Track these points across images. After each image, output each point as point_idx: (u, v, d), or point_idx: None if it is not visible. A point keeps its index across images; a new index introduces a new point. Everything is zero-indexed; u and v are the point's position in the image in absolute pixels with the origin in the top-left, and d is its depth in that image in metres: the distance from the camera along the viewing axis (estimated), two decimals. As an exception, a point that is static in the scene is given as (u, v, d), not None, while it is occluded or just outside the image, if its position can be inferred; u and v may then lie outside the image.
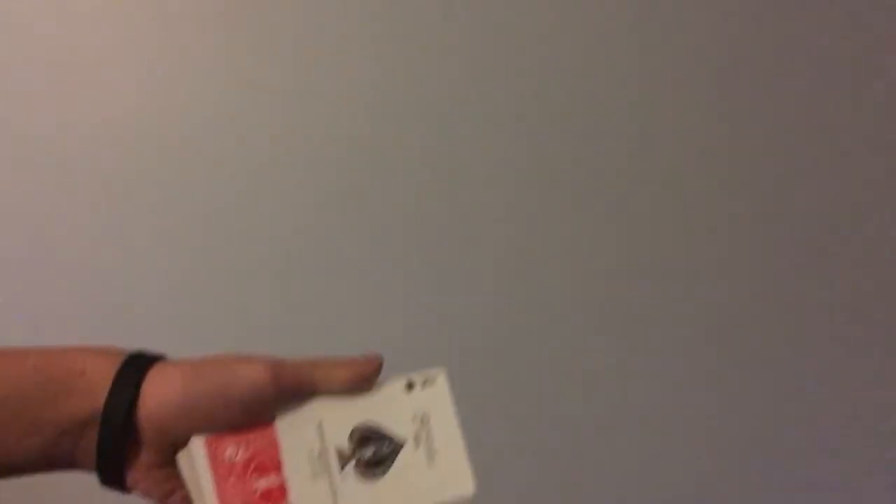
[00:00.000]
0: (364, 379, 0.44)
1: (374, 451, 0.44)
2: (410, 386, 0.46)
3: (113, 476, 0.42)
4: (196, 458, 0.43)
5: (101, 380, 0.41)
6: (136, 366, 0.42)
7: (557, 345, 0.98)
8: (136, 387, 0.41)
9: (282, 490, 0.44)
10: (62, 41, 0.89)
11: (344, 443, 0.45)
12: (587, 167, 0.97)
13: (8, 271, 0.90)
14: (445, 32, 0.93)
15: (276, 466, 0.44)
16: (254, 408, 0.43)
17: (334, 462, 0.44)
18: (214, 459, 0.43)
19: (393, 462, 0.45)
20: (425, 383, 0.46)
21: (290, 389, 0.43)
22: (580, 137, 0.96)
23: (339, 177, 0.94)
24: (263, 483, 0.44)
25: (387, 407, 0.45)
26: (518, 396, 0.98)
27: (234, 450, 0.43)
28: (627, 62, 0.96)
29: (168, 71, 0.90)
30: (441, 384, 0.46)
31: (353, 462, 0.44)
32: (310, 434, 0.44)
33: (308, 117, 0.92)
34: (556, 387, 0.99)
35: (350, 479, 0.44)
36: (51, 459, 0.42)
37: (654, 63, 0.96)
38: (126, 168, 0.91)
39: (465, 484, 0.45)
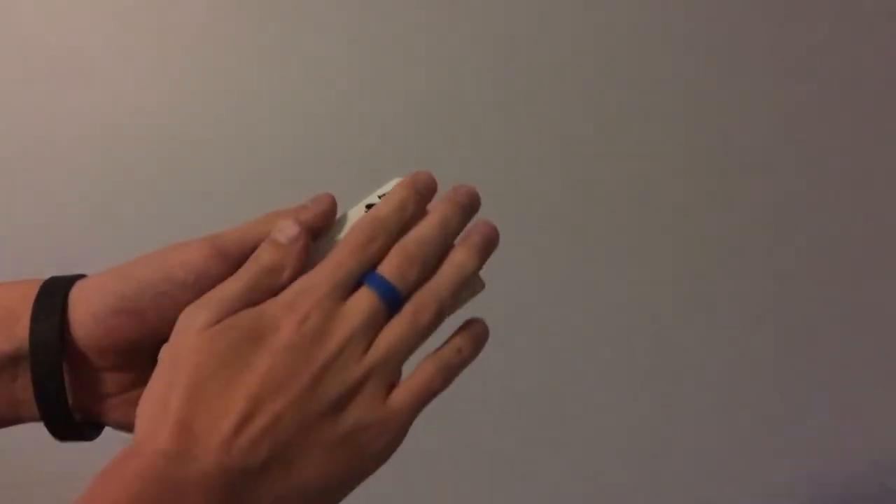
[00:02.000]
0: (320, 220, 0.40)
1: None
2: (371, 207, 0.41)
3: (61, 417, 0.37)
4: None
5: (18, 308, 0.37)
6: (57, 285, 0.38)
7: (554, 344, 0.99)
8: (62, 305, 0.37)
9: None
10: (62, 41, 0.89)
11: None
12: (586, 163, 0.97)
13: (8, 269, 0.90)
14: (445, 29, 0.94)
15: None
16: (205, 290, 0.37)
17: None
18: None
19: None
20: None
21: (241, 256, 0.38)
22: (580, 134, 0.97)
23: (339, 174, 0.94)
24: None
25: None
26: (517, 395, 0.98)
27: None
28: (626, 62, 0.96)
29: (168, 70, 0.91)
30: None
31: None
32: None
33: (309, 116, 0.93)
34: (555, 384, 0.99)
35: None
36: None
37: (654, 62, 0.96)
38: (125, 168, 0.91)
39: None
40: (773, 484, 1.02)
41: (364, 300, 0.37)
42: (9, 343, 0.37)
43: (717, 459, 1.02)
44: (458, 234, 0.40)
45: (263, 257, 0.37)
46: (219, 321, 0.35)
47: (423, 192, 0.40)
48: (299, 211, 0.40)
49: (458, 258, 0.39)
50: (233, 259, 0.38)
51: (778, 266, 1.00)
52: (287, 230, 0.37)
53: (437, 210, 0.40)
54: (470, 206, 0.41)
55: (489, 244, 0.40)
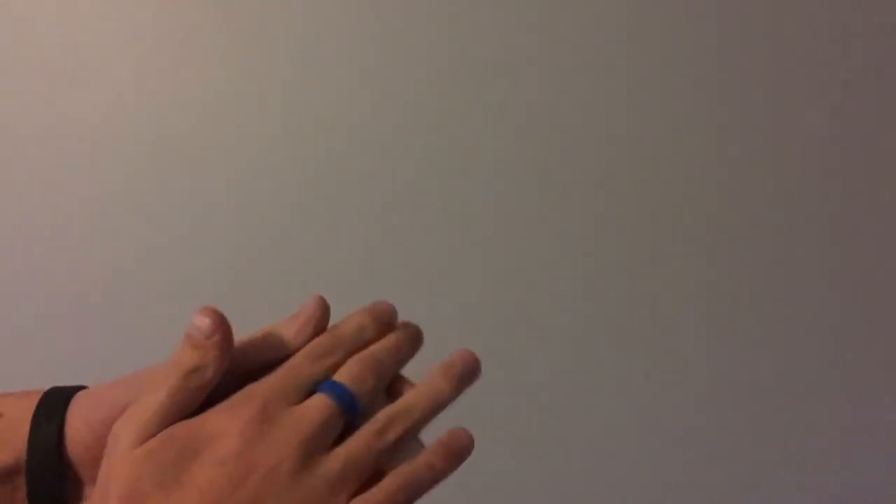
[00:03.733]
0: (309, 329, 0.39)
1: None
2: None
3: None
4: None
5: (21, 419, 0.36)
6: (57, 394, 0.37)
7: (553, 345, 0.99)
8: (62, 412, 0.36)
9: None
10: (62, 41, 0.89)
11: None
12: (586, 165, 0.97)
13: (10, 268, 0.90)
14: (446, 29, 0.93)
15: None
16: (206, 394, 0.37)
17: None
18: None
19: None
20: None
21: (242, 361, 0.37)
22: (579, 136, 0.96)
23: (337, 173, 0.94)
24: None
25: None
26: (514, 396, 0.98)
27: None
28: (627, 61, 0.96)
29: (168, 69, 0.90)
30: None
31: None
32: None
33: (308, 114, 0.92)
34: (553, 386, 0.99)
35: None
36: None
37: (653, 63, 0.96)
38: (125, 167, 0.91)
39: None
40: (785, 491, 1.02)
41: (317, 404, 0.35)
42: (11, 454, 0.36)
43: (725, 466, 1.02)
44: (406, 363, 0.40)
45: (183, 359, 0.34)
46: (147, 437, 0.33)
47: (381, 320, 0.40)
48: (296, 317, 0.39)
49: (437, 383, 0.38)
50: (235, 362, 0.37)
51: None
52: (201, 325, 0.35)
53: (392, 336, 0.40)
54: (418, 339, 0.41)
55: (470, 376, 0.39)
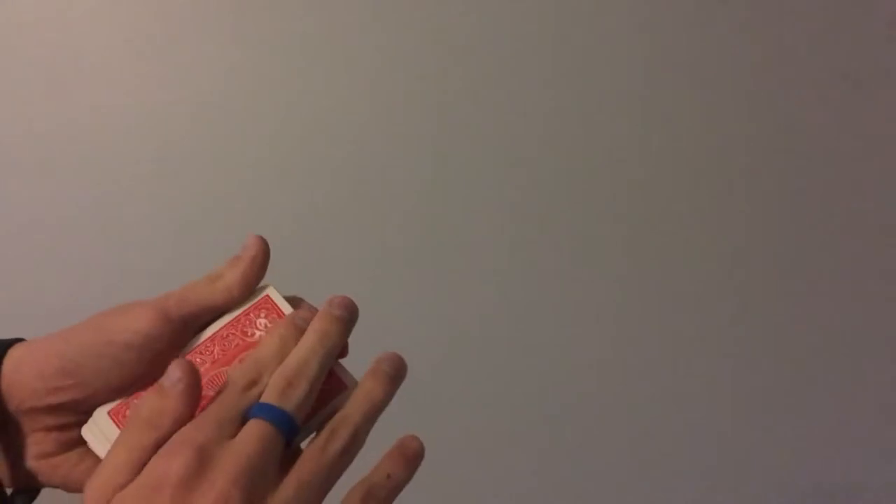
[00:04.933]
0: (254, 271, 0.40)
1: None
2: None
3: None
4: (106, 431, 0.38)
5: None
6: None
7: (556, 346, 0.99)
8: None
9: None
10: (62, 41, 0.89)
11: None
12: (591, 166, 0.97)
13: (9, 268, 0.90)
14: (448, 29, 0.93)
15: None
16: (149, 353, 0.38)
17: None
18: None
19: None
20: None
21: (186, 318, 0.39)
22: (584, 136, 0.96)
23: (338, 173, 0.94)
24: None
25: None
26: (516, 398, 0.98)
27: None
28: (630, 61, 0.96)
29: (168, 70, 0.90)
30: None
31: None
32: None
33: (309, 115, 0.92)
34: (554, 387, 0.99)
35: None
36: None
37: (657, 63, 0.96)
38: (125, 168, 0.91)
39: None
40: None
41: (252, 430, 0.34)
42: None
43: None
44: (339, 346, 0.39)
45: (143, 407, 0.35)
46: (111, 495, 0.32)
47: (302, 327, 0.39)
48: (235, 261, 0.40)
49: (369, 386, 0.38)
50: (175, 320, 0.38)
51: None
52: (171, 374, 0.35)
53: (314, 328, 0.39)
54: (347, 316, 0.40)
55: (398, 374, 0.39)
